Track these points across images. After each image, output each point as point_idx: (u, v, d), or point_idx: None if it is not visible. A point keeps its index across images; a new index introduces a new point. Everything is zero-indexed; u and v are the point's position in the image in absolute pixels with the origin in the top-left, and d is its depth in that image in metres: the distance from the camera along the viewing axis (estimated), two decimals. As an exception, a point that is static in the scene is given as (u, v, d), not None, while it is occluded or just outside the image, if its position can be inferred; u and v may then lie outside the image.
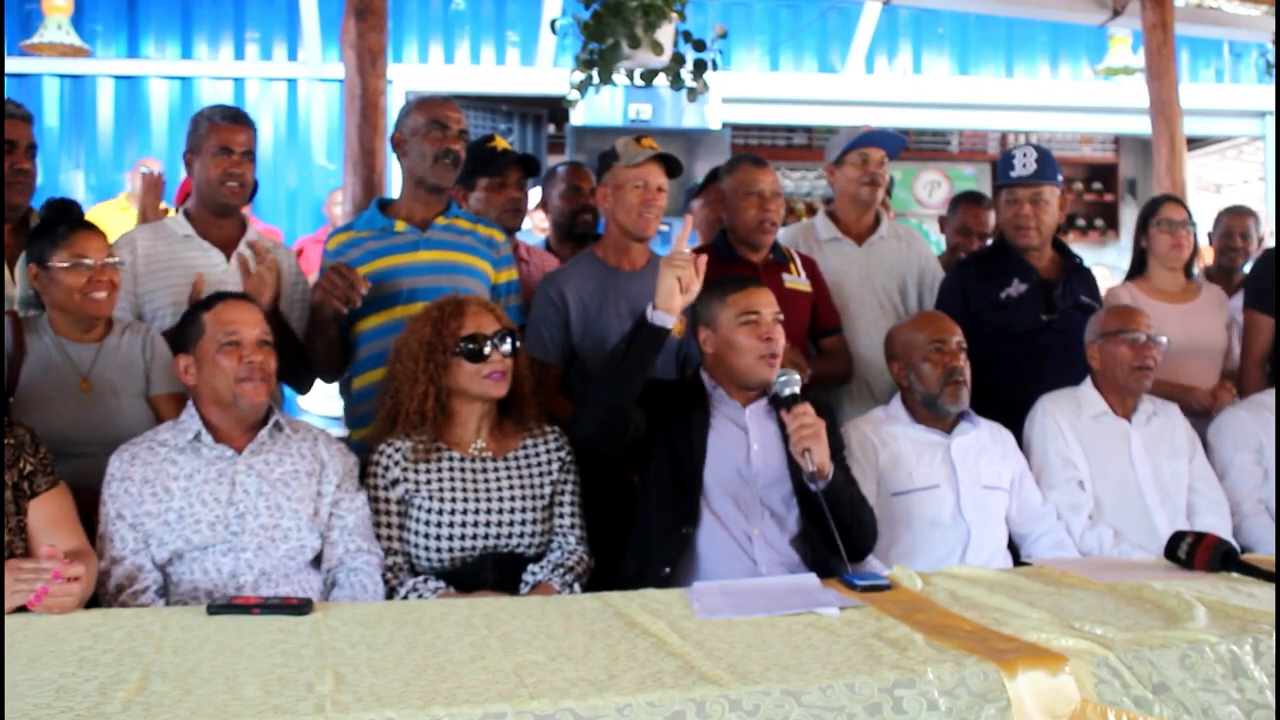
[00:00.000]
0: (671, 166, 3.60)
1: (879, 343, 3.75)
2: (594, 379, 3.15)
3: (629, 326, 3.50)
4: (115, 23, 8.13)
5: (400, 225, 3.58)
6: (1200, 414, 4.01)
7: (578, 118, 7.71)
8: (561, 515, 3.10)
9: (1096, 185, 10.69)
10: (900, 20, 9.12)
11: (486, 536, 2.97)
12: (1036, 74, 9.39)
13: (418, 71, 8.29)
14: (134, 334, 3.29)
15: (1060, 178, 4.07)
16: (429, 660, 1.92)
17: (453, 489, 2.99)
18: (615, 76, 5.19)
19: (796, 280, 3.92)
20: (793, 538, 3.08)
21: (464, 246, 3.60)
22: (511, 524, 3.00)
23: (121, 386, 3.19)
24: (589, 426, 3.05)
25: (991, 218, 5.23)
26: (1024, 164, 3.99)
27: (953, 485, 3.40)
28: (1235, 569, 2.56)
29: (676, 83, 5.29)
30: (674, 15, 5.12)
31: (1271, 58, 6.58)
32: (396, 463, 2.99)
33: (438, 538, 2.94)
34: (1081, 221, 10.50)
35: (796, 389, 2.98)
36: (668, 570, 2.96)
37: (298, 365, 3.50)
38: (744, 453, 3.10)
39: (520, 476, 3.07)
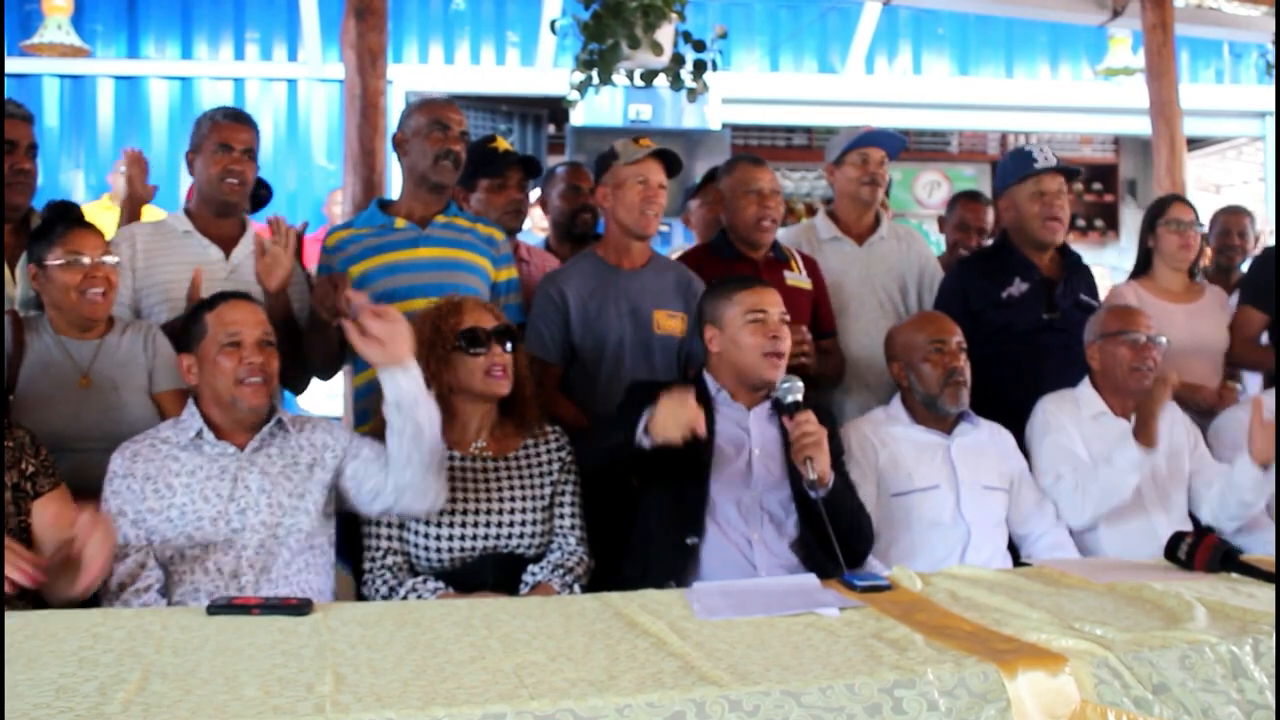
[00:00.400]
0: (671, 164, 3.60)
1: (879, 343, 3.75)
2: (593, 439, 3.16)
3: (629, 333, 3.53)
4: (115, 23, 8.13)
5: (400, 223, 3.59)
6: (1205, 413, 4.01)
7: (578, 118, 7.71)
8: (562, 516, 3.10)
9: (1096, 186, 10.69)
10: (900, 21, 9.12)
11: (486, 537, 2.97)
12: (1036, 74, 9.39)
13: (418, 72, 8.29)
14: (135, 331, 3.29)
15: (1079, 173, 4.07)
16: (429, 661, 1.92)
17: (453, 489, 2.98)
18: (615, 77, 5.20)
19: (798, 278, 3.92)
20: (792, 542, 3.07)
21: (464, 244, 3.60)
22: (512, 524, 3.00)
23: (123, 382, 3.19)
24: (584, 462, 3.14)
25: (990, 214, 5.23)
26: (1045, 157, 3.99)
27: (953, 486, 3.40)
28: (1235, 569, 2.55)
29: (676, 83, 5.29)
30: (674, 16, 5.12)
31: (1271, 58, 6.58)
32: (397, 463, 2.99)
33: (437, 538, 2.94)
34: (1081, 222, 10.50)
35: (799, 396, 2.98)
36: (673, 585, 2.94)
37: (296, 363, 3.50)
38: (745, 457, 3.10)
39: (521, 477, 3.07)
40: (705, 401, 3.13)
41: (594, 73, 5.16)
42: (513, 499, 3.03)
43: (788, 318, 3.17)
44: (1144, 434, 3.43)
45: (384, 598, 2.85)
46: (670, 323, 3.59)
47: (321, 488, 2.86)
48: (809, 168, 10.03)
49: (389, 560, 2.93)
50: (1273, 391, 3.84)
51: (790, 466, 3.04)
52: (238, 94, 8.18)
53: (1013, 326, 3.87)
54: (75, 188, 7.91)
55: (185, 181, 7.94)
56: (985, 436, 3.50)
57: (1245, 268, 4.92)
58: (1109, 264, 9.23)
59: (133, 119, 8.09)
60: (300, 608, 2.28)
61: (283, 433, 2.90)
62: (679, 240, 7.48)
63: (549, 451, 3.14)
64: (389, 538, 2.96)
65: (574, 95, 5.32)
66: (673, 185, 3.69)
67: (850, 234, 4.25)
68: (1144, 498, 3.55)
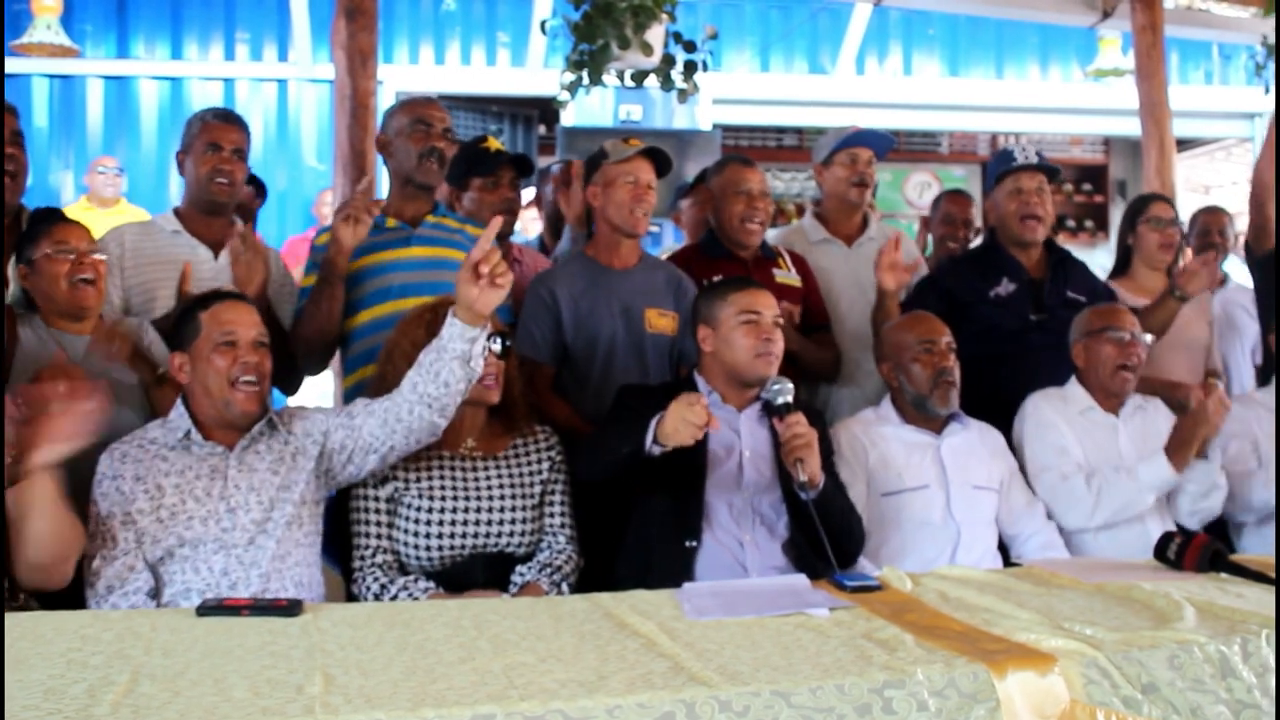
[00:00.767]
0: (661, 163, 3.60)
1: (868, 344, 3.76)
2: (592, 448, 3.13)
3: (620, 333, 3.52)
4: (105, 23, 8.13)
5: (391, 222, 3.59)
6: (1184, 409, 4.02)
7: (568, 119, 7.71)
8: (551, 515, 3.10)
9: (1086, 186, 10.72)
10: (890, 21, 9.14)
11: (476, 536, 2.97)
12: (1026, 75, 9.42)
13: (408, 72, 8.29)
14: (126, 325, 3.29)
15: (1058, 172, 4.07)
16: (418, 661, 1.92)
17: (442, 488, 2.98)
18: (605, 77, 5.21)
19: (787, 275, 3.93)
20: (784, 544, 3.07)
21: (454, 244, 3.60)
22: (501, 524, 3.00)
23: (118, 375, 3.18)
24: (587, 477, 3.12)
25: (974, 209, 5.25)
26: (1025, 155, 4.00)
27: (943, 485, 3.40)
28: (1224, 569, 2.56)
29: (667, 84, 5.30)
30: (664, 16, 5.14)
31: (1260, 59, 6.60)
32: (387, 462, 2.99)
33: (427, 536, 2.94)
34: (1071, 223, 10.53)
35: (789, 397, 2.98)
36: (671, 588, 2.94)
37: (286, 365, 3.49)
38: (736, 459, 3.10)
39: (510, 476, 3.07)
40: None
41: (584, 73, 5.17)
42: (502, 498, 3.03)
43: (781, 320, 3.17)
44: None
45: (374, 596, 2.85)
46: (662, 321, 3.59)
47: (306, 476, 2.86)
48: (799, 168, 10.05)
49: (379, 559, 2.93)
50: (1264, 389, 3.85)
51: (781, 468, 3.04)
52: (228, 94, 8.18)
53: (1001, 327, 3.87)
54: (64, 188, 7.90)
55: (174, 182, 7.98)
56: (975, 436, 3.51)
57: (1225, 267, 4.94)
58: (1099, 264, 9.23)
59: (122, 119, 8.09)
60: (290, 609, 2.27)
61: (271, 430, 2.90)
62: (669, 240, 7.48)
63: (538, 451, 3.14)
64: (379, 536, 2.96)
65: (564, 96, 5.33)
66: (663, 185, 3.69)
67: (839, 235, 4.26)
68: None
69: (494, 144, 4.08)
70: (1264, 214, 3.98)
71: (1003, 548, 3.50)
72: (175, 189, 7.87)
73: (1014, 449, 3.63)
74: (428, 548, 2.94)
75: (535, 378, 3.46)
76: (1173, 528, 3.41)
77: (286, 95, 8.32)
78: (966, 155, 10.48)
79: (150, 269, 3.54)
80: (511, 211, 4.12)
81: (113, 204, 7.23)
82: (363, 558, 2.94)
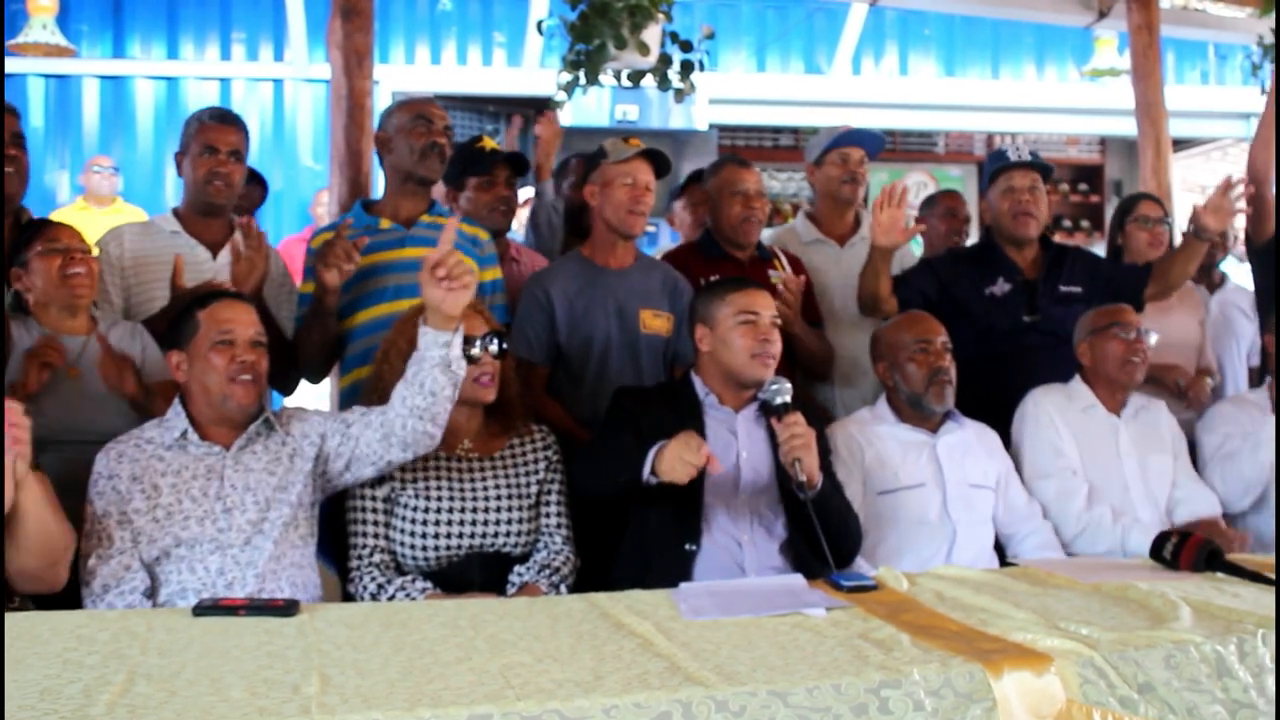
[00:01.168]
0: (660, 165, 3.60)
1: (862, 343, 3.76)
2: (590, 465, 3.11)
3: (615, 333, 3.52)
4: (100, 23, 8.12)
5: (385, 223, 3.59)
6: (1179, 394, 4.03)
7: (565, 119, 7.67)
8: (548, 515, 3.10)
9: (1082, 186, 10.72)
10: (886, 21, 9.15)
11: (473, 536, 2.97)
12: (1023, 75, 9.42)
13: (404, 72, 8.29)
14: (121, 328, 3.31)
15: (1053, 173, 4.07)
16: (415, 661, 1.92)
17: (439, 488, 2.98)
18: (602, 77, 5.20)
19: (783, 276, 3.93)
20: (781, 544, 3.07)
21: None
22: (498, 524, 3.00)
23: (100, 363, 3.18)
24: (582, 492, 3.12)
25: (963, 205, 5.24)
26: (1018, 154, 4.01)
27: (939, 484, 3.40)
28: (1220, 569, 2.56)
29: (663, 84, 5.30)
30: (660, 16, 5.12)
31: (1257, 59, 6.60)
32: (383, 462, 2.99)
33: (423, 536, 2.94)
34: (1067, 222, 10.53)
35: (788, 398, 2.98)
36: None
37: (283, 365, 3.49)
38: (734, 459, 3.09)
39: (507, 476, 3.07)
40: (693, 404, 3.14)
41: (581, 73, 5.16)
42: (499, 498, 3.03)
43: (779, 321, 3.17)
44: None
45: (371, 596, 2.85)
46: (656, 322, 3.59)
47: (303, 477, 2.85)
48: (795, 168, 10.03)
49: (376, 559, 2.93)
50: (1258, 389, 3.86)
51: (779, 468, 3.04)
52: (224, 94, 8.17)
53: (995, 327, 3.87)
54: (60, 188, 7.89)
55: (170, 183, 7.99)
56: (971, 435, 3.51)
57: (1223, 266, 4.95)
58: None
59: (118, 119, 8.08)
60: (286, 609, 2.27)
61: (268, 430, 2.90)
62: (665, 241, 7.49)
63: (535, 451, 3.14)
64: (375, 536, 2.96)
65: (561, 96, 5.32)
66: (660, 185, 3.69)
67: (832, 235, 4.26)
68: (1131, 496, 3.56)
69: (489, 143, 4.08)
70: (1261, 199, 3.98)
71: (999, 547, 3.50)
72: (171, 188, 7.88)
73: (1012, 444, 3.63)
74: (424, 548, 2.94)
75: (530, 378, 3.46)
76: (1165, 526, 3.42)
77: (282, 95, 8.32)
78: (963, 155, 10.46)
79: (150, 269, 3.55)
80: (508, 209, 4.11)
81: (109, 203, 7.24)
82: (359, 558, 2.94)
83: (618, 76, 5.27)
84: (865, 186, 4.34)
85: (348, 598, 2.94)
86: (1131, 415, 3.68)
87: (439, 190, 3.93)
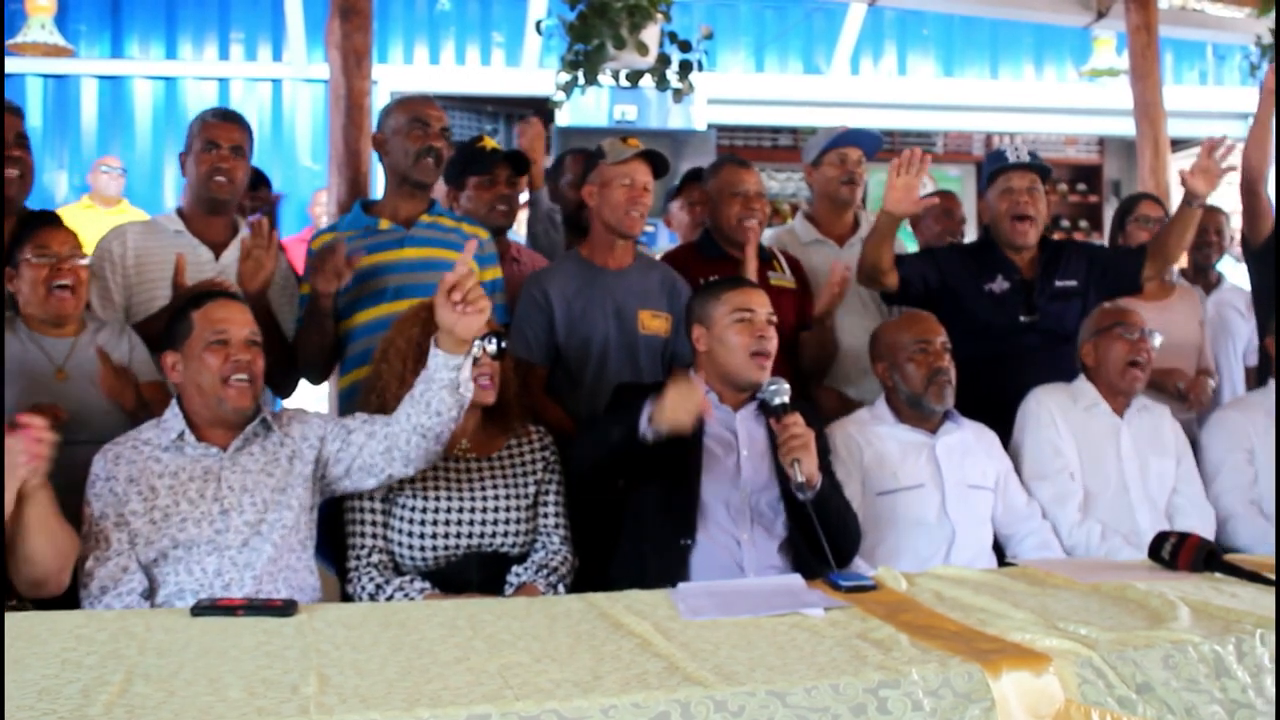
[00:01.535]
0: (658, 165, 3.60)
1: (862, 343, 3.75)
2: (588, 434, 3.12)
3: (613, 333, 3.52)
4: (99, 23, 8.11)
5: (385, 223, 3.59)
6: (1179, 397, 4.03)
7: (563, 119, 7.71)
8: (546, 515, 3.10)
9: (1081, 186, 10.72)
10: (885, 21, 9.15)
11: (470, 536, 2.97)
12: (1021, 75, 9.42)
13: (403, 72, 8.28)
14: (109, 330, 3.30)
15: (1051, 173, 4.07)
16: (414, 662, 1.92)
17: (437, 488, 2.98)
18: (600, 77, 5.19)
19: (781, 277, 3.93)
20: (781, 543, 3.07)
21: (449, 244, 3.59)
22: (495, 524, 3.00)
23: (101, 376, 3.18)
24: (579, 467, 3.12)
25: (959, 206, 5.24)
26: (1017, 154, 4.00)
27: (938, 485, 3.40)
28: (1218, 569, 2.56)
29: (662, 84, 5.29)
30: (659, 16, 5.12)
31: (1255, 59, 6.61)
32: (381, 462, 2.99)
33: (421, 536, 2.94)
34: (1066, 222, 10.53)
35: (786, 398, 2.98)
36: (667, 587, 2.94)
37: (283, 366, 3.49)
38: (733, 459, 3.10)
39: (504, 476, 3.07)
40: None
41: (579, 73, 5.16)
42: (496, 498, 3.03)
43: (774, 318, 3.16)
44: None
45: (370, 596, 2.85)
46: (655, 323, 3.59)
47: (302, 480, 2.85)
48: (794, 168, 10.02)
49: (374, 559, 2.93)
50: (1262, 392, 3.85)
51: (778, 467, 3.04)
52: (222, 94, 8.17)
53: (993, 326, 3.87)
54: (58, 188, 7.89)
55: (170, 182, 7.98)
56: (970, 436, 3.51)
57: (1220, 267, 4.96)
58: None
59: (117, 119, 8.07)
60: (285, 609, 2.27)
61: (266, 431, 2.89)
62: (664, 241, 7.49)
63: (533, 451, 3.14)
64: (374, 536, 2.96)
65: (559, 96, 5.32)
66: (656, 186, 3.69)
67: (830, 236, 4.26)
68: (1130, 497, 3.56)
69: (490, 143, 4.08)
70: (1256, 198, 3.98)
71: (998, 547, 3.50)
72: (170, 189, 7.88)
73: (1013, 442, 3.63)
74: (423, 548, 2.94)
75: (528, 378, 3.46)
76: (1164, 527, 3.42)
77: (281, 95, 8.31)
78: (961, 155, 10.46)
79: (152, 268, 3.54)
80: (509, 209, 4.11)
81: (115, 204, 7.23)
82: (358, 558, 2.94)
83: (616, 76, 5.27)
84: (864, 187, 4.34)
85: (346, 598, 2.94)
86: (1135, 416, 3.67)
87: (439, 190, 3.93)
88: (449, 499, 2.98)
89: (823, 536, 2.85)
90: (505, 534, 3.00)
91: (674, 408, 2.79)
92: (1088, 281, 3.93)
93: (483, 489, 3.03)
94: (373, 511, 2.97)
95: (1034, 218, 3.93)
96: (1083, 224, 10.63)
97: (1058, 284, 3.94)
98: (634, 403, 3.02)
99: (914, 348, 3.45)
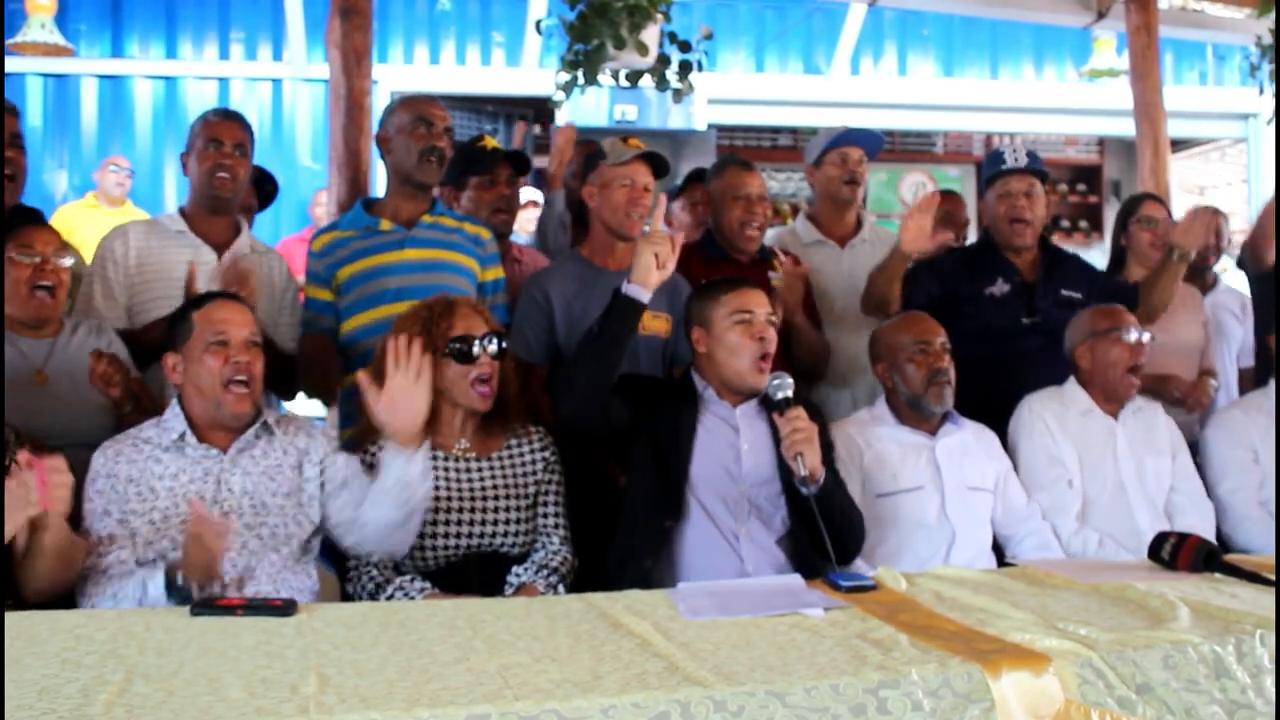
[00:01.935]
0: (658, 166, 3.60)
1: (862, 344, 3.75)
2: (572, 361, 3.14)
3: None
4: (99, 22, 8.12)
5: (386, 224, 3.58)
6: (1177, 403, 4.04)
7: (563, 118, 7.69)
8: (545, 515, 3.10)
9: (1081, 187, 10.73)
10: (885, 22, 9.15)
11: (470, 536, 2.97)
12: (1021, 76, 9.42)
13: (403, 72, 8.29)
14: (87, 330, 3.29)
15: (1048, 174, 4.07)
16: (413, 662, 1.92)
17: (437, 488, 2.98)
18: (600, 77, 5.19)
19: (782, 278, 3.92)
20: (779, 538, 3.08)
21: (451, 244, 3.59)
22: (495, 524, 3.00)
23: (82, 378, 3.16)
24: (568, 408, 3.09)
25: (964, 209, 5.25)
26: (1015, 157, 4.01)
27: (938, 486, 3.40)
28: (1218, 570, 2.56)
29: (662, 84, 5.29)
30: (659, 16, 5.12)
31: (1255, 60, 6.61)
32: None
33: (421, 536, 2.94)
34: (1066, 223, 10.54)
35: (789, 392, 2.98)
36: (649, 564, 2.96)
37: (284, 374, 3.48)
38: (734, 452, 3.10)
39: (504, 477, 3.07)
40: (693, 399, 3.14)
41: (579, 73, 5.15)
42: (496, 499, 3.03)
43: (775, 319, 3.17)
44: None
45: (370, 596, 2.85)
46: (655, 323, 3.59)
47: (303, 485, 2.86)
48: (794, 169, 10.03)
49: (374, 558, 2.92)
50: (1264, 391, 3.85)
51: (780, 462, 3.04)
52: (222, 94, 8.17)
53: (994, 328, 3.87)
54: (58, 187, 7.89)
55: (170, 182, 7.97)
56: (970, 437, 3.51)
57: (1218, 269, 4.95)
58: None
59: (117, 119, 8.07)
60: (284, 608, 2.27)
61: (267, 434, 2.89)
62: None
63: (532, 451, 3.14)
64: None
65: (559, 95, 5.32)
66: (657, 186, 3.68)
67: (832, 237, 4.26)
68: (1129, 498, 3.56)
69: (490, 143, 4.08)
70: (1261, 259, 4.06)
71: (997, 548, 3.50)
72: (171, 189, 7.88)
73: (1009, 451, 3.63)
74: (423, 548, 2.94)
75: (529, 379, 3.46)
76: (1163, 527, 3.41)
77: (281, 95, 8.31)
78: (961, 155, 10.47)
79: (154, 268, 3.54)
80: (509, 209, 4.11)
81: (120, 203, 7.24)
82: (358, 557, 2.93)
83: (616, 76, 5.26)
84: (864, 186, 4.35)
85: (346, 598, 2.93)
86: (1129, 417, 3.67)
87: (439, 190, 3.93)
88: (449, 499, 2.98)
89: (825, 531, 2.85)
90: (505, 534, 3.00)
91: (646, 243, 2.90)
92: (1089, 298, 3.93)
93: (483, 489, 3.03)
94: (373, 511, 2.97)
95: (1031, 221, 3.95)
96: (1083, 224, 10.64)
97: (1064, 293, 3.95)
98: (634, 394, 3.03)
99: (914, 349, 3.45)
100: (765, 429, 3.12)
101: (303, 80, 8.24)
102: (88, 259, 3.66)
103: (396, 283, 3.48)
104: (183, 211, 3.68)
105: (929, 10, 8.84)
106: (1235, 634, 2.08)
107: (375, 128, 3.77)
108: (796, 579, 2.58)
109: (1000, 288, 3.92)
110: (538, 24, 6.32)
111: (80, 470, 2.79)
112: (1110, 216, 10.35)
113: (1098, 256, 9.79)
